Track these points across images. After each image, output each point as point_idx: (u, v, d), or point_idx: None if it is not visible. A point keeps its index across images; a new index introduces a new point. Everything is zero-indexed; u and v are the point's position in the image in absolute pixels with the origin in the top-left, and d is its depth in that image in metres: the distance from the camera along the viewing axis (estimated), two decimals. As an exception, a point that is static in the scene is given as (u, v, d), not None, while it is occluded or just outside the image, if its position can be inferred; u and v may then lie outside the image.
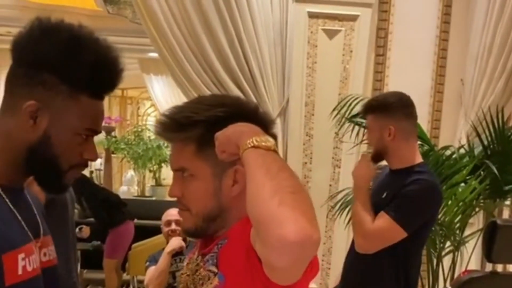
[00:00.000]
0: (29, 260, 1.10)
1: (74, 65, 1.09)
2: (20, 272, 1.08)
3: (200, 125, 1.14)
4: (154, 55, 7.68)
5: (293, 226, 0.88)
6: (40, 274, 1.15)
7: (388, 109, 2.31)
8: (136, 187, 9.35)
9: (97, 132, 1.16)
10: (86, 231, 5.26)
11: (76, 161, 1.15)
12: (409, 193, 2.23)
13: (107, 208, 5.47)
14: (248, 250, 1.02)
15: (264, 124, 1.16)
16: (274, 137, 1.16)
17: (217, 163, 1.14)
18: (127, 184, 9.34)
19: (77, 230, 4.65)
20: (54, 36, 1.10)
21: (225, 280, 1.13)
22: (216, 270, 1.16)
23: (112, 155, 9.22)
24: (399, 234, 2.22)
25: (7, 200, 1.12)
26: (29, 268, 1.10)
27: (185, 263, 1.32)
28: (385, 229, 2.23)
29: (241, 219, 1.14)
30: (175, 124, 1.15)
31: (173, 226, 3.55)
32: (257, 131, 1.06)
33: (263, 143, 1.02)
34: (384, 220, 2.23)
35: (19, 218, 1.13)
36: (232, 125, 1.08)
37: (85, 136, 1.14)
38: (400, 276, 2.33)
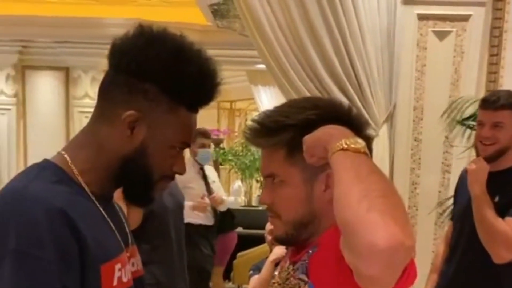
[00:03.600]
0: (124, 271, 1.10)
1: (177, 77, 1.08)
2: (115, 283, 1.07)
3: (290, 129, 1.12)
4: (262, 66, 7.87)
5: (382, 233, 0.85)
6: (132, 286, 1.14)
7: None
8: (243, 197, 9.55)
9: (189, 146, 1.17)
10: None
11: (167, 173, 1.14)
12: None
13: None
14: (338, 258, 0.99)
15: (358, 126, 1.14)
16: (370, 139, 1.16)
17: (308, 168, 1.12)
18: (235, 194, 9.56)
19: None
20: (159, 46, 1.08)
21: None
22: (306, 279, 1.14)
23: (220, 167, 9.48)
24: None
25: (101, 209, 1.11)
26: (124, 279, 1.10)
27: (277, 272, 1.30)
28: None
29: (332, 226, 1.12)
30: (265, 129, 1.14)
31: None
32: (346, 133, 1.03)
33: (352, 145, 0.99)
34: None
35: (113, 227, 1.13)
36: (321, 127, 1.06)
37: (179, 149, 1.13)
38: None
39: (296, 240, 1.18)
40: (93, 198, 1.10)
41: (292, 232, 1.16)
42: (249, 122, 1.18)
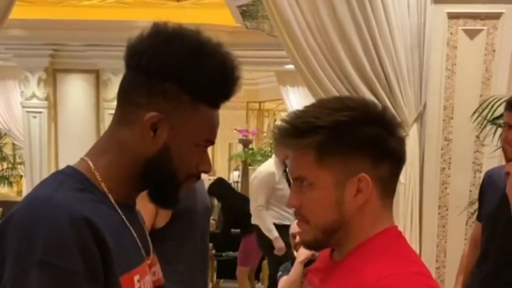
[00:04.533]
0: (143, 282, 1.09)
1: (197, 74, 1.06)
2: None
3: (321, 131, 1.09)
4: (291, 67, 7.90)
5: None
6: None
7: None
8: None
9: (214, 143, 1.14)
10: None
11: (193, 172, 1.13)
12: None
13: (241, 217, 5.60)
14: None
15: (391, 127, 1.13)
16: (402, 142, 1.15)
17: (339, 172, 1.10)
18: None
19: None
20: (177, 44, 1.07)
21: None
22: None
23: (249, 167, 9.53)
24: None
25: (123, 217, 1.10)
26: None
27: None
28: None
29: (365, 232, 1.12)
30: (295, 130, 1.11)
31: (297, 239, 3.60)
32: None
33: None
34: None
35: (135, 235, 1.12)
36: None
37: (203, 147, 1.12)
38: None
39: (325, 245, 1.18)
40: (116, 206, 1.09)
41: (321, 237, 1.14)
42: (279, 122, 1.16)
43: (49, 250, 0.94)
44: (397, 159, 1.15)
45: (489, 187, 2.62)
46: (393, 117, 1.16)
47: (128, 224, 1.10)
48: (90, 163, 1.10)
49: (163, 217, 2.42)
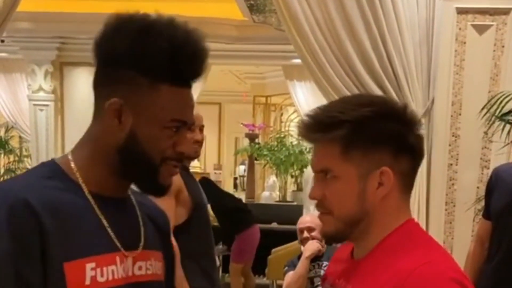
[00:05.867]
0: (101, 271, 1.07)
1: (146, 55, 1.06)
2: (87, 282, 1.05)
3: (346, 125, 1.13)
4: (298, 61, 7.88)
5: None
6: (120, 286, 1.11)
7: None
8: (278, 192, 9.59)
9: (187, 123, 1.12)
10: None
11: (168, 154, 1.11)
12: None
13: (234, 214, 5.59)
14: None
15: (411, 124, 1.17)
16: (421, 138, 1.19)
17: (362, 165, 1.14)
18: (269, 189, 9.62)
19: None
20: (125, 29, 1.08)
21: None
22: None
23: (255, 162, 9.53)
24: None
25: (95, 207, 1.10)
26: (100, 279, 1.06)
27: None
28: None
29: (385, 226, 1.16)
30: (320, 124, 1.15)
31: (305, 234, 3.62)
32: None
33: None
34: None
35: (106, 226, 1.10)
36: None
37: (174, 128, 1.10)
38: None
39: (346, 237, 1.20)
40: (88, 196, 1.10)
41: (342, 228, 1.17)
42: (303, 117, 1.19)
43: None
44: (416, 154, 1.19)
45: (498, 184, 2.61)
46: (413, 114, 1.19)
47: (100, 214, 1.10)
48: (70, 157, 1.13)
49: (181, 214, 2.46)
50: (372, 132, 1.14)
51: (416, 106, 3.61)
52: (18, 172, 10.23)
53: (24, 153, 10.20)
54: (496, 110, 3.19)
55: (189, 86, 1.12)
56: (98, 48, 1.10)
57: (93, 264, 1.05)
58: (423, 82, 3.65)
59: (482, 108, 3.27)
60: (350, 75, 3.56)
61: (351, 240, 1.22)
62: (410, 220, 1.21)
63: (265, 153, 9.08)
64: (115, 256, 1.10)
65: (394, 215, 1.19)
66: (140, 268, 1.16)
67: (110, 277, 1.08)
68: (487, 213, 2.75)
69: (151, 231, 1.21)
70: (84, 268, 1.04)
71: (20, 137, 10.51)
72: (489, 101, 3.31)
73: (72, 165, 1.11)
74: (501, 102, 3.17)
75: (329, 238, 1.24)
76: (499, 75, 3.58)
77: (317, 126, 1.15)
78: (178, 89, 1.10)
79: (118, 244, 1.11)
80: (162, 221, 1.29)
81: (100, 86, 1.12)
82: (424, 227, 3.57)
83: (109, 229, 1.10)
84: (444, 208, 3.63)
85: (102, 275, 1.06)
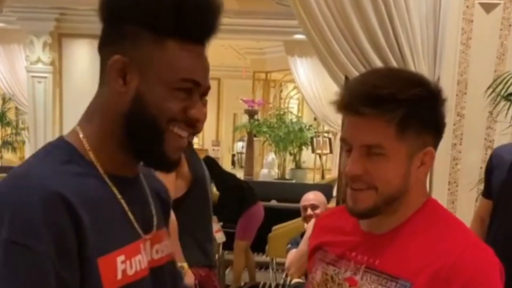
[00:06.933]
0: (130, 263, 1.01)
1: (151, 7, 0.98)
2: (119, 276, 0.99)
3: (403, 104, 1.11)
4: (299, 37, 7.86)
5: None
6: (147, 276, 1.05)
7: None
8: (276, 170, 9.61)
9: (199, 84, 1.02)
10: None
11: (175, 117, 1.01)
12: None
13: (238, 192, 5.60)
14: None
15: (444, 103, 1.18)
16: (444, 125, 1.20)
17: (413, 145, 1.15)
18: (268, 167, 9.64)
19: None
20: None
21: None
22: None
23: (254, 138, 9.53)
24: None
25: (116, 192, 1.03)
26: (130, 272, 1.01)
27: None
28: None
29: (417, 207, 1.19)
30: (376, 100, 1.12)
31: (309, 211, 3.64)
32: None
33: None
34: None
35: (128, 212, 1.04)
36: None
37: (185, 90, 1.01)
38: None
39: (379, 213, 1.19)
40: (105, 178, 1.02)
41: (380, 205, 1.17)
42: (352, 89, 1.17)
43: (17, 230, 0.88)
44: (442, 134, 1.23)
45: (498, 163, 2.64)
46: (443, 93, 1.20)
47: (120, 198, 1.03)
48: (80, 132, 1.04)
49: (181, 187, 2.46)
50: (426, 113, 1.14)
51: (421, 85, 3.58)
52: (16, 145, 10.24)
53: (21, 125, 10.19)
54: (501, 90, 3.18)
55: (201, 44, 1.03)
56: (102, 6, 1.01)
57: (122, 257, 1.00)
58: (429, 60, 3.63)
59: (488, 88, 3.26)
60: (356, 51, 3.53)
61: (380, 215, 1.19)
62: (431, 198, 1.25)
63: (264, 130, 9.08)
64: (139, 244, 1.05)
65: (421, 193, 1.22)
66: (157, 251, 1.10)
67: (138, 268, 1.03)
68: (487, 193, 2.77)
69: (158, 207, 1.15)
70: (115, 262, 0.98)
71: (16, 108, 10.49)
72: (494, 80, 3.30)
73: (85, 142, 1.03)
74: (506, 82, 3.16)
75: (362, 214, 1.20)
76: (506, 55, 3.56)
77: (371, 101, 1.11)
78: (188, 46, 1.00)
79: (139, 230, 1.06)
80: (164, 194, 1.22)
81: (105, 46, 1.03)
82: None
83: (130, 215, 1.04)
84: (447, 188, 3.63)
85: (131, 267, 1.01)
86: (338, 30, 3.51)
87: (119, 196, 1.02)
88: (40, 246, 0.88)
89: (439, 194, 3.63)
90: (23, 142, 10.43)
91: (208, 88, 1.05)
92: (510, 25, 3.57)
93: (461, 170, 3.58)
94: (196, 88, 1.01)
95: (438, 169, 3.63)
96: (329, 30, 3.52)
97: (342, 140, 1.21)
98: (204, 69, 1.03)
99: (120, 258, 0.99)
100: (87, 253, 0.93)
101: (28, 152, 9.89)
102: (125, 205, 1.03)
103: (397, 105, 1.11)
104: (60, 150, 1.02)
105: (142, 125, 1.00)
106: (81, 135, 1.03)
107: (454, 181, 3.62)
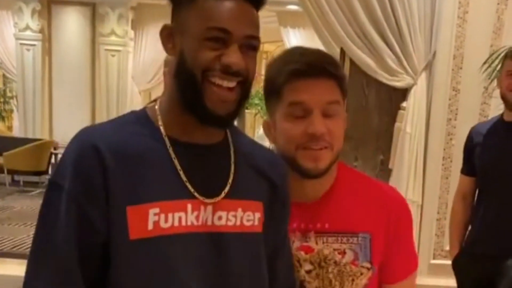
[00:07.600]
0: (166, 217, 1.05)
1: None
2: (150, 227, 1.04)
3: (340, 70, 1.29)
4: (293, 7, 7.78)
5: None
6: (190, 234, 1.07)
7: None
8: (267, 143, 9.59)
9: (228, 32, 1.05)
10: None
11: (210, 66, 1.05)
12: None
13: None
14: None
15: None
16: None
17: (343, 106, 1.28)
18: (259, 139, 9.59)
19: None
20: None
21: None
22: (369, 266, 1.27)
23: (246, 111, 9.49)
24: None
25: (170, 151, 1.09)
26: (164, 225, 1.04)
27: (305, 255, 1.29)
28: None
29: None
30: (335, 63, 1.28)
31: None
32: None
33: None
34: None
35: (180, 172, 1.08)
36: None
37: (216, 38, 1.05)
38: None
39: (325, 174, 1.26)
40: (165, 139, 1.09)
41: (331, 164, 1.25)
42: (307, 55, 1.26)
43: (55, 172, 1.06)
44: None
45: (479, 140, 2.70)
46: None
47: (174, 158, 1.08)
48: (158, 101, 1.15)
49: None
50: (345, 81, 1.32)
51: (418, 59, 3.57)
52: (4, 114, 10.15)
53: (9, 94, 10.09)
54: (497, 65, 3.16)
55: None
56: None
57: (156, 210, 1.04)
58: (426, 34, 3.60)
59: (484, 63, 3.25)
60: (353, 24, 3.49)
61: (321, 177, 1.26)
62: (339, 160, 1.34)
63: (256, 102, 9.05)
64: (186, 203, 1.08)
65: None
66: (220, 218, 1.11)
67: (176, 223, 1.06)
68: (467, 170, 2.82)
69: (248, 179, 1.16)
70: (147, 213, 1.04)
71: (4, 76, 10.38)
72: (490, 55, 3.28)
73: (157, 109, 1.13)
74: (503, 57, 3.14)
75: (322, 173, 1.25)
76: (502, 29, 3.54)
77: (334, 64, 1.26)
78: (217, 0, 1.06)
79: (192, 190, 1.08)
80: (274, 172, 1.21)
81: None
82: (420, 181, 3.59)
83: (182, 174, 1.08)
84: (441, 163, 3.64)
85: (166, 221, 1.05)
86: (335, 1, 3.48)
87: (173, 155, 1.08)
88: (68, 185, 1.02)
89: (433, 169, 3.64)
90: (11, 111, 10.34)
91: (247, 37, 1.08)
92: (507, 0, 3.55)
93: (455, 145, 3.57)
94: (227, 36, 1.05)
95: (433, 144, 3.63)
96: (326, 1, 3.49)
97: (296, 103, 1.23)
98: (235, 17, 1.06)
99: (154, 210, 1.04)
100: (114, 199, 1.03)
101: (16, 120, 9.81)
102: (178, 165, 1.08)
103: (340, 70, 1.27)
104: (133, 114, 1.14)
105: (183, 79, 1.07)
106: (157, 104, 1.14)
107: (449, 156, 3.63)
